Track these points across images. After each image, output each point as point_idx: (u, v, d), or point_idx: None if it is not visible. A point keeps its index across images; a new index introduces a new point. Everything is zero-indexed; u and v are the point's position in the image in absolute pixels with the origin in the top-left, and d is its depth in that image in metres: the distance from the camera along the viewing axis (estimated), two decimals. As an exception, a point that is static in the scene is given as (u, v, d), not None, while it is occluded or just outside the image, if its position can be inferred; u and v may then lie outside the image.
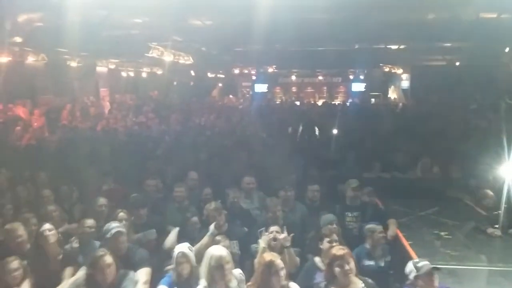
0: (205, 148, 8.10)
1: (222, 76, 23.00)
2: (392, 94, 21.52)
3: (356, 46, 15.05)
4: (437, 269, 3.49)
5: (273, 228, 4.40)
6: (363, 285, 3.53)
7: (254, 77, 22.68)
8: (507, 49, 13.06)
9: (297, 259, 4.39)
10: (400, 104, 17.75)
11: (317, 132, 11.02)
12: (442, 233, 4.85)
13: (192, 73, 20.21)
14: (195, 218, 4.85)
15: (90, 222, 4.54)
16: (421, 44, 13.94)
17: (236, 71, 21.76)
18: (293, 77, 23.21)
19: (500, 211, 4.88)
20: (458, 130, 10.55)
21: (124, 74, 19.31)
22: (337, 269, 3.47)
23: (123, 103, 16.79)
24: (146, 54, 12.48)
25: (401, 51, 15.35)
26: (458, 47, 13.99)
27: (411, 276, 3.53)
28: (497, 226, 4.86)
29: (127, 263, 3.89)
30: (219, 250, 3.43)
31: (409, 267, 3.58)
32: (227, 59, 17.96)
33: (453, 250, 4.42)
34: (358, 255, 4.53)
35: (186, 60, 14.85)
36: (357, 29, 10.69)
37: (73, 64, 14.36)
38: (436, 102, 15.44)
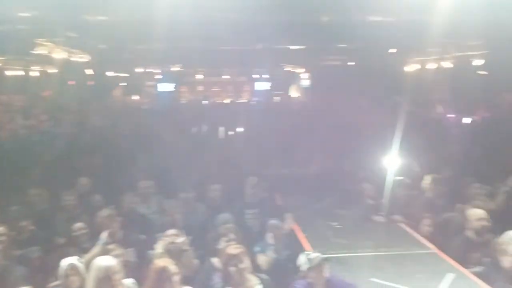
0: (101, 151, 7.63)
1: (124, 75, 21.93)
2: (294, 93, 22.45)
3: (259, 46, 15.42)
4: (327, 260, 3.65)
5: (171, 232, 4.28)
6: (258, 281, 3.58)
7: (158, 76, 22.04)
8: (392, 51, 14.35)
9: (196, 261, 4.32)
10: (301, 103, 18.59)
11: (221, 131, 11.03)
12: (334, 224, 5.14)
13: (90, 71, 18.95)
14: (80, 225, 4.52)
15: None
16: (318, 45, 14.71)
17: (139, 70, 20.90)
18: (199, 76, 23.06)
19: (384, 199, 5.31)
20: (351, 125, 11.33)
21: (10, 73, 17.44)
22: (232, 268, 3.48)
23: (9, 105, 15.17)
24: (33, 51, 11.41)
25: (301, 52, 16.05)
26: (350, 48, 15.04)
27: (303, 268, 3.65)
28: (381, 213, 5.27)
29: (2, 284, 3.49)
30: (106, 261, 3.23)
31: (301, 259, 3.70)
32: (128, 58, 17.20)
33: (343, 239, 4.69)
34: (259, 250, 4.62)
35: (81, 58, 13.88)
36: (259, 29, 10.92)
37: None
38: (332, 100, 16.43)
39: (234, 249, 3.58)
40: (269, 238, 4.75)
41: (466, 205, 4.97)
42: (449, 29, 8.70)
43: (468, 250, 4.24)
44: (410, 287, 3.60)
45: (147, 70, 21.21)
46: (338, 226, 5.09)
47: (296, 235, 4.97)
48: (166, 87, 21.53)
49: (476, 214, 4.43)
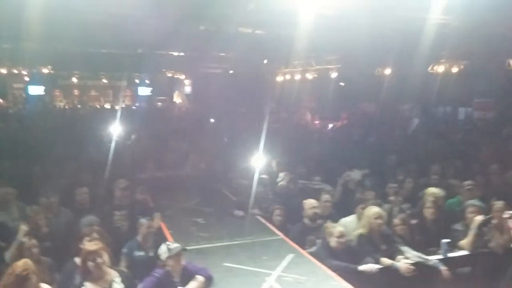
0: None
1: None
2: (177, 99, 22.62)
3: (139, 51, 15.30)
4: (185, 250, 4.03)
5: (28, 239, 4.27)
6: (117, 274, 3.79)
7: (27, 78, 20.30)
8: (265, 61, 15.49)
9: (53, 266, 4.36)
10: (183, 108, 18.87)
11: (96, 136, 10.73)
12: (199, 220, 5.58)
13: None
14: None
15: None
16: (197, 53, 15.19)
17: (3, 71, 18.95)
18: (74, 79, 21.80)
19: (246, 196, 5.91)
20: (229, 131, 12.00)
21: None
22: (90, 264, 3.64)
23: None
24: None
25: (182, 58, 16.36)
26: (228, 57, 15.83)
27: (163, 257, 3.96)
28: (242, 208, 5.86)
29: None
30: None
31: (162, 249, 4.00)
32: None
33: (205, 232, 5.15)
34: (130, 247, 4.80)
35: None
36: (138, 34, 10.93)
37: None
38: (213, 106, 17.03)
39: (92, 245, 3.73)
40: (138, 236, 4.96)
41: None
42: (310, 44, 9.89)
43: (305, 234, 5.02)
44: (255, 268, 4.16)
45: (13, 71, 19.34)
46: (202, 222, 5.53)
47: (163, 232, 5.26)
48: (37, 90, 19.99)
49: (309, 203, 5.27)
